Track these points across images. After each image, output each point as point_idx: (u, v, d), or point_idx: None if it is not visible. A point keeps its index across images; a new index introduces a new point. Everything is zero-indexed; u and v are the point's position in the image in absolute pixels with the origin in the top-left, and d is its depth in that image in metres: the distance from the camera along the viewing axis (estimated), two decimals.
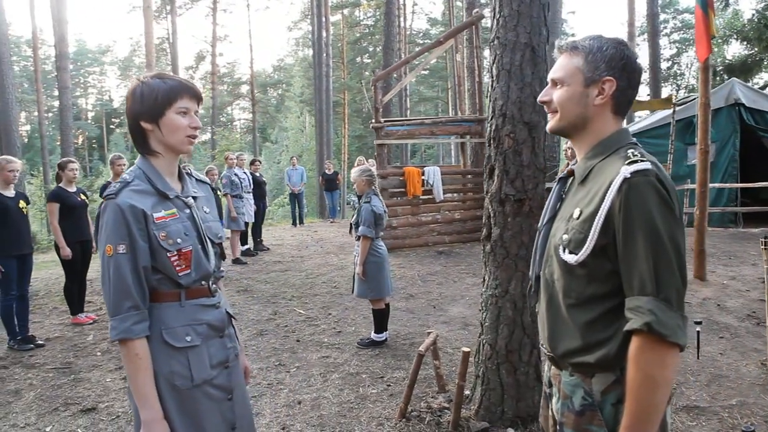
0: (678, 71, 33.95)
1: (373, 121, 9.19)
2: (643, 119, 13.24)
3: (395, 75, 18.68)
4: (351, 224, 4.81)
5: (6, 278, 4.77)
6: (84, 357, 4.66)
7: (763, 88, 14.18)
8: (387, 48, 18.91)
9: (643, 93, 28.66)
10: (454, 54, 11.54)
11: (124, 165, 5.97)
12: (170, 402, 1.52)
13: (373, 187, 4.75)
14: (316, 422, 3.34)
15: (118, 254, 1.48)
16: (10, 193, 4.86)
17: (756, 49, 12.46)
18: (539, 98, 1.42)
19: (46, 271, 8.33)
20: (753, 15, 13.00)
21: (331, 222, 14.65)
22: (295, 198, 13.91)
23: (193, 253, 1.59)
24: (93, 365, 4.46)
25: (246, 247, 9.13)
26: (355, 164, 11.83)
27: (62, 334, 5.31)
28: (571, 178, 1.42)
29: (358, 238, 4.62)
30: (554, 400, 1.43)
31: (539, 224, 1.48)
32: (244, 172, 8.78)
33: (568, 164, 1.50)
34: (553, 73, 1.37)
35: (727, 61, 14.49)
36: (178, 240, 1.56)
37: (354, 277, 4.74)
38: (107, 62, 51.36)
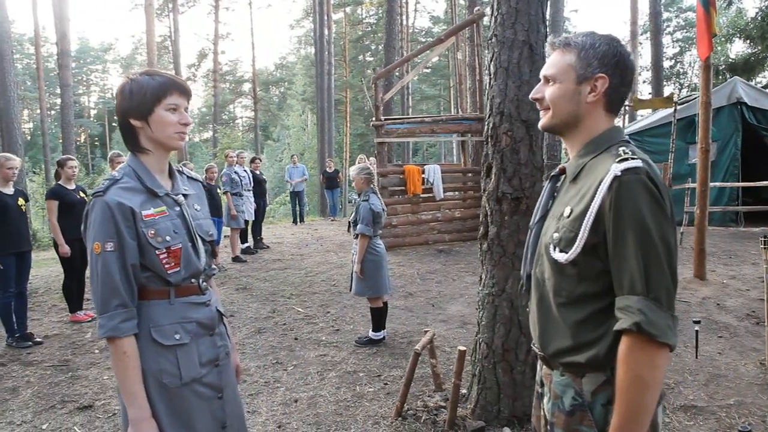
0: (681, 70, 33.85)
1: (374, 119, 9.18)
2: (644, 118, 13.19)
3: (397, 73, 18.66)
4: (349, 222, 4.80)
5: (4, 276, 4.77)
6: (82, 354, 4.66)
7: (765, 86, 14.13)
8: (388, 46, 18.87)
9: (645, 92, 28.63)
10: (455, 52, 11.51)
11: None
12: (159, 400, 1.51)
13: (372, 186, 4.74)
14: (312, 420, 3.34)
15: (106, 252, 1.47)
16: (9, 190, 4.86)
17: (759, 47, 12.40)
18: (531, 95, 1.41)
19: (46, 269, 8.34)
20: (756, 13, 12.94)
21: (332, 220, 14.65)
22: (296, 196, 13.92)
23: (183, 251, 1.58)
24: (91, 363, 4.46)
25: (246, 245, 9.13)
26: (357, 162, 11.83)
27: (61, 331, 5.31)
28: (563, 176, 1.41)
29: (357, 237, 4.61)
30: (545, 399, 1.42)
31: (531, 222, 1.46)
32: (245, 170, 8.78)
33: None
34: (545, 70, 1.36)
35: (730, 60, 14.43)
36: (167, 238, 1.55)
37: (352, 275, 4.73)
38: (110, 60, 51.42)
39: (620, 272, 1.18)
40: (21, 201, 4.91)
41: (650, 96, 19.86)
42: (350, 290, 4.83)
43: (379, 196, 4.87)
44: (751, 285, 6.11)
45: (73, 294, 5.61)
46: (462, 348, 3.07)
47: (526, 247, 1.46)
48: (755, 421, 3.21)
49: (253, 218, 9.07)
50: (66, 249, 5.21)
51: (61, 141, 20.78)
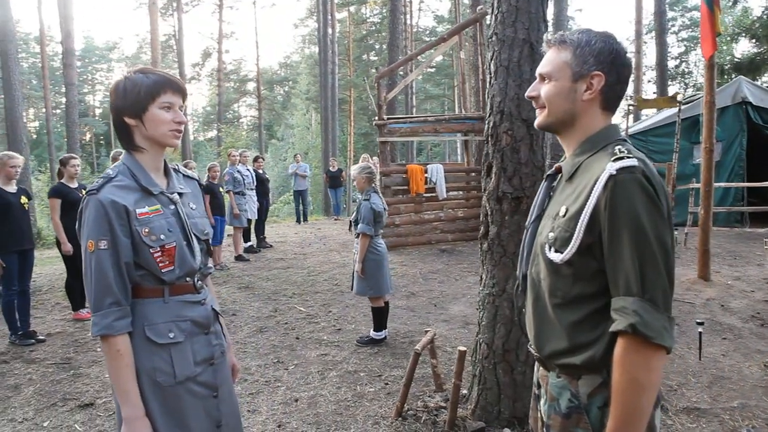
0: (686, 69, 33.67)
1: (377, 118, 9.16)
2: (649, 117, 13.13)
3: (401, 72, 18.65)
4: (351, 222, 4.79)
5: (7, 274, 4.79)
6: (84, 353, 4.67)
7: None
8: (392, 45, 18.85)
9: (650, 91, 28.49)
10: (458, 51, 11.49)
11: None
12: (152, 399, 1.51)
13: (374, 185, 4.73)
14: (312, 420, 3.33)
15: (100, 250, 1.46)
16: (12, 188, 4.88)
17: (765, 47, 12.31)
18: (527, 93, 1.39)
19: (50, 267, 8.37)
20: (762, 12, 12.86)
21: (335, 219, 14.65)
22: (299, 195, 13.93)
23: (177, 250, 1.57)
24: (92, 361, 4.47)
25: (249, 244, 9.14)
26: (360, 161, 11.82)
27: (63, 329, 5.33)
28: (560, 175, 1.39)
29: (358, 236, 4.60)
30: (542, 401, 1.41)
31: (527, 222, 1.45)
32: (248, 169, 8.79)
33: None
34: (540, 68, 1.35)
35: (735, 60, 14.34)
36: (161, 236, 1.54)
37: (353, 274, 4.72)
38: (115, 59, 51.54)
39: (615, 273, 1.16)
40: (24, 199, 4.92)
41: (654, 95, 19.78)
42: (352, 290, 4.82)
43: (381, 195, 4.86)
44: (756, 286, 6.07)
45: (76, 292, 5.62)
46: (462, 348, 3.06)
47: (522, 247, 1.45)
48: (759, 424, 3.18)
49: (256, 217, 9.07)
50: (68, 247, 5.22)
51: (66, 140, 20.85)
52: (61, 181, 5.38)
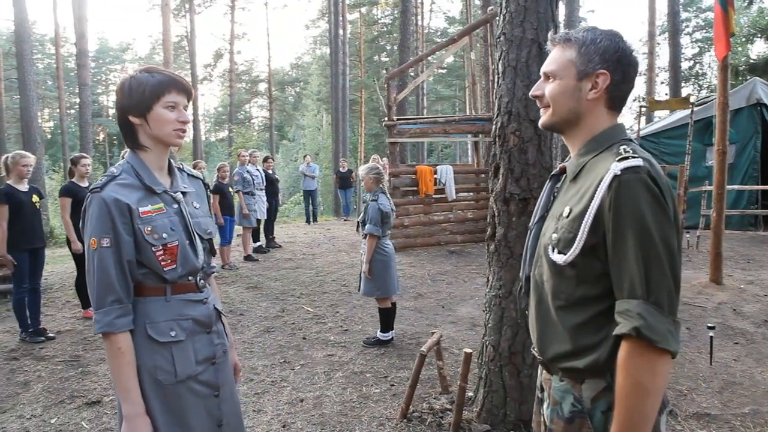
0: (700, 71, 33.30)
1: (386, 119, 9.15)
2: (661, 119, 13.00)
3: (412, 73, 18.63)
4: (358, 222, 4.78)
5: (18, 272, 4.84)
6: (92, 350, 4.70)
7: None
8: (403, 46, 18.86)
9: (663, 92, 28.22)
10: (469, 52, 11.45)
11: None
12: (153, 397, 1.51)
13: (381, 185, 4.72)
14: (317, 420, 3.32)
15: (102, 248, 1.47)
16: (24, 187, 4.93)
17: None
18: (531, 92, 1.37)
19: (62, 265, 8.45)
20: None
21: (345, 220, 14.66)
22: (309, 196, 13.97)
23: (180, 249, 1.57)
24: (101, 358, 4.49)
25: (258, 244, 9.17)
26: (370, 161, 11.82)
27: (73, 327, 5.37)
28: (564, 175, 1.37)
29: (365, 237, 4.59)
30: (545, 405, 1.38)
31: (530, 223, 1.43)
32: (257, 169, 8.81)
33: None
34: (545, 67, 1.32)
35: (750, 61, 14.15)
36: (164, 235, 1.54)
37: (361, 275, 4.71)
38: (128, 60, 52.02)
39: (620, 275, 1.14)
40: (35, 198, 4.97)
41: (666, 96, 19.59)
42: (358, 290, 4.81)
43: (389, 196, 4.84)
44: None
45: (86, 290, 5.64)
46: (468, 350, 3.04)
47: (525, 248, 1.43)
48: None
49: (266, 217, 9.10)
50: (79, 246, 5.26)
51: (79, 139, 21.08)
52: (72, 180, 5.42)
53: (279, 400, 3.64)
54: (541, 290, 1.33)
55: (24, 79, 13.24)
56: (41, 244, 5.08)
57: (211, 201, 7.46)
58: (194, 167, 7.55)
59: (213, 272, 1.79)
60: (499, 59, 2.93)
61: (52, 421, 3.43)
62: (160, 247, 1.53)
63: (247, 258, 8.40)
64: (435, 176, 9.05)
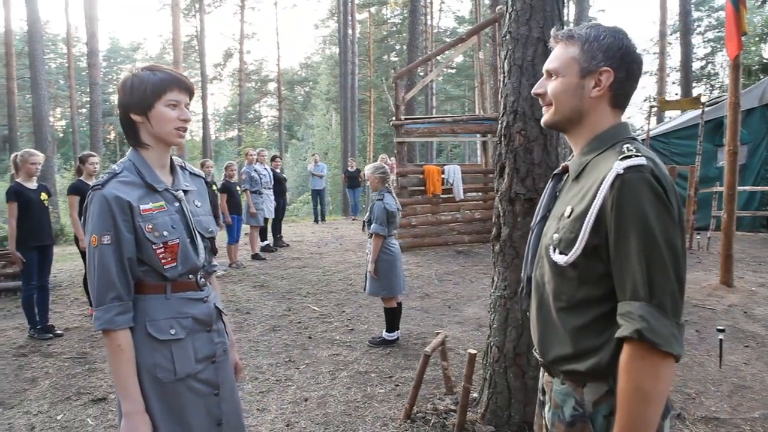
0: (712, 71, 32.97)
1: (394, 118, 9.14)
2: (672, 119, 12.88)
3: (421, 73, 18.60)
4: (364, 222, 4.77)
5: (27, 269, 4.88)
6: (100, 348, 4.73)
7: None
8: (411, 46, 18.83)
9: (674, 92, 27.96)
10: (477, 52, 11.41)
11: None
12: (152, 395, 1.51)
13: (387, 185, 4.70)
14: (320, 420, 3.31)
15: (103, 245, 1.47)
16: (33, 185, 4.97)
17: None
18: (533, 90, 1.35)
19: (72, 263, 8.52)
20: None
21: (353, 219, 14.66)
22: (317, 195, 13.99)
23: (180, 246, 1.57)
24: (107, 356, 4.51)
25: (265, 243, 9.19)
26: (379, 161, 11.81)
27: (81, 324, 5.41)
28: (566, 174, 1.35)
29: (371, 236, 4.58)
30: (546, 408, 1.36)
31: (532, 223, 1.41)
32: (265, 168, 8.83)
33: None
34: (547, 64, 1.30)
35: (763, 60, 13.98)
36: (165, 233, 1.54)
37: (366, 274, 4.70)
38: (139, 59, 52.33)
39: (622, 276, 1.11)
40: (44, 196, 5.01)
41: (677, 96, 19.41)
42: (364, 290, 4.80)
43: (394, 195, 4.83)
44: None
45: None
46: (472, 351, 3.02)
47: (527, 249, 1.41)
48: None
49: (273, 216, 9.11)
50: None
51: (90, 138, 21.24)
52: (80, 178, 5.46)
53: (283, 399, 3.64)
54: (543, 291, 1.31)
55: (36, 78, 13.37)
56: (49, 241, 5.12)
57: (219, 200, 7.49)
58: (202, 166, 7.57)
59: (214, 271, 1.79)
60: (505, 58, 2.91)
61: (58, 418, 3.45)
62: (161, 245, 1.53)
63: (255, 257, 8.42)
64: (443, 176, 9.01)
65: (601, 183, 1.14)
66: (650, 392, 1.07)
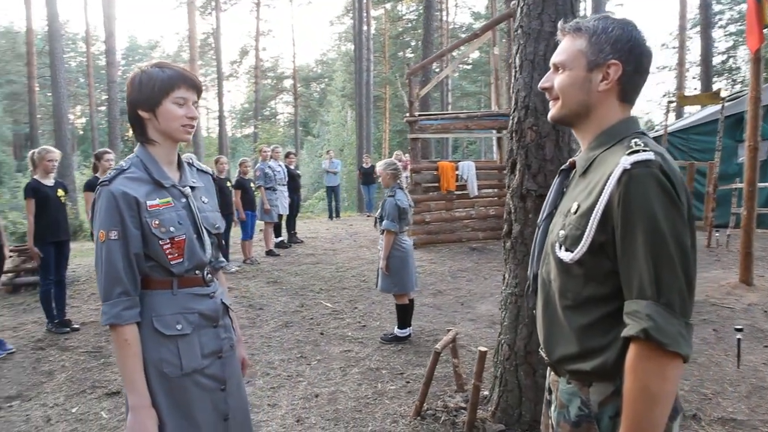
0: (734, 65, 32.31)
1: (408, 114, 9.11)
2: (692, 115, 12.65)
3: (436, 69, 18.51)
4: (375, 218, 4.76)
5: (44, 264, 4.96)
6: None
7: None
8: (426, 42, 18.73)
9: (694, 87, 27.46)
10: (492, 47, 11.30)
11: None
12: (159, 389, 1.52)
13: (398, 181, 4.69)
14: (331, 416, 3.32)
15: (110, 240, 1.48)
16: (50, 182, 5.04)
17: None
18: (540, 84, 1.32)
19: (90, 258, 8.63)
20: None
21: (368, 216, 14.66)
22: (332, 191, 14.02)
23: (187, 242, 1.57)
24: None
25: (280, 239, 9.23)
26: (393, 157, 11.79)
27: (97, 318, 5.48)
28: (574, 170, 1.32)
29: (383, 232, 4.57)
30: (552, 407, 1.34)
31: (539, 219, 1.38)
32: (279, 165, 8.86)
33: None
34: (554, 57, 1.27)
35: None
36: (171, 228, 1.55)
37: (378, 271, 4.70)
38: (156, 57, 52.90)
39: (629, 274, 1.09)
40: (60, 192, 5.08)
41: (696, 91, 19.07)
42: (376, 286, 4.80)
43: (406, 191, 4.81)
44: None
45: None
46: (483, 349, 2.99)
47: (533, 246, 1.39)
48: None
49: (287, 212, 9.14)
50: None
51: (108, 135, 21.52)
52: (96, 175, 5.53)
53: (294, 394, 3.65)
54: (549, 289, 1.28)
55: (56, 77, 13.58)
56: (66, 237, 5.19)
57: (233, 197, 7.54)
58: (216, 163, 7.63)
59: (221, 267, 1.80)
60: (517, 53, 2.87)
61: (73, 410, 3.51)
62: (168, 241, 1.54)
63: (269, 253, 8.46)
64: (457, 172, 8.97)
65: (608, 178, 1.11)
66: (657, 393, 1.05)
